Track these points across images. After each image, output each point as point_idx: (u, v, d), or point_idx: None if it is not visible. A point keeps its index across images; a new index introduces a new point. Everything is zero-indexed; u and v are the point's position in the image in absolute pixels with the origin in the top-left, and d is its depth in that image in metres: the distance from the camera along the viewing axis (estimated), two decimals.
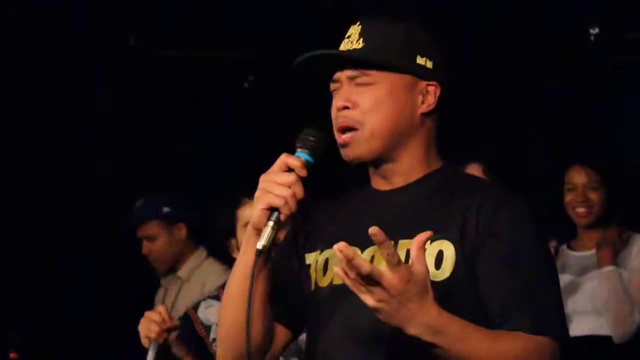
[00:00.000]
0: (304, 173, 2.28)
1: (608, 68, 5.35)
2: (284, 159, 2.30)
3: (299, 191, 2.27)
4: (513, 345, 2.20)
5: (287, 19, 5.09)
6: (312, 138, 2.32)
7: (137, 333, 3.17)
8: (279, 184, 2.27)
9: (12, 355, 4.49)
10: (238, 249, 3.28)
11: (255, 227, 2.29)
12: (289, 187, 2.26)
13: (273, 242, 2.26)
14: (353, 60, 2.33)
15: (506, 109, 5.35)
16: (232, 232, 3.41)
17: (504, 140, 5.27)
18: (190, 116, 5.59)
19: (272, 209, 2.26)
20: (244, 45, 5.38)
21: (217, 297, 3.45)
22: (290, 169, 2.29)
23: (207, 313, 3.43)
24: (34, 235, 5.24)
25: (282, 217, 2.25)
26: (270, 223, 2.25)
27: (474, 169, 4.11)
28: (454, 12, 5.04)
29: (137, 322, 3.18)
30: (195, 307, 3.50)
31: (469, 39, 5.10)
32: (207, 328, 3.42)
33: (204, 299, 3.52)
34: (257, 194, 2.29)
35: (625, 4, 5.00)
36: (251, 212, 2.92)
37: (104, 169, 5.37)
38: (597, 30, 5.12)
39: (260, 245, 2.24)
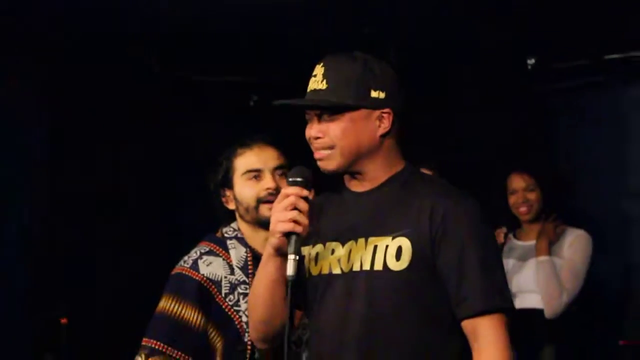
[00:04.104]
0: (304, 193, 2.54)
1: (545, 93, 5.61)
2: (283, 191, 2.56)
3: (303, 205, 2.52)
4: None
5: (286, 48, 5.20)
6: (299, 179, 2.59)
7: None
8: (284, 209, 2.51)
9: (63, 321, 4.64)
10: (235, 199, 3.26)
11: (273, 248, 2.56)
12: (293, 207, 2.51)
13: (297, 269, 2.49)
14: (319, 107, 2.62)
15: (464, 129, 5.65)
16: (227, 183, 3.28)
17: (467, 150, 5.56)
18: (199, 130, 5.50)
19: (288, 234, 2.52)
20: (249, 71, 5.54)
21: (209, 252, 3.24)
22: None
23: (211, 268, 3.23)
24: (79, 205, 5.18)
25: (299, 234, 2.51)
26: (292, 256, 2.48)
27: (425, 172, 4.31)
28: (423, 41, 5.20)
29: None
30: (194, 266, 3.20)
31: (426, 71, 5.35)
32: (217, 284, 3.19)
33: (199, 257, 3.24)
34: (270, 227, 2.54)
35: (558, 38, 5.19)
36: (247, 161, 3.23)
37: (104, 176, 5.36)
38: (533, 60, 5.37)
39: (290, 277, 2.48)
